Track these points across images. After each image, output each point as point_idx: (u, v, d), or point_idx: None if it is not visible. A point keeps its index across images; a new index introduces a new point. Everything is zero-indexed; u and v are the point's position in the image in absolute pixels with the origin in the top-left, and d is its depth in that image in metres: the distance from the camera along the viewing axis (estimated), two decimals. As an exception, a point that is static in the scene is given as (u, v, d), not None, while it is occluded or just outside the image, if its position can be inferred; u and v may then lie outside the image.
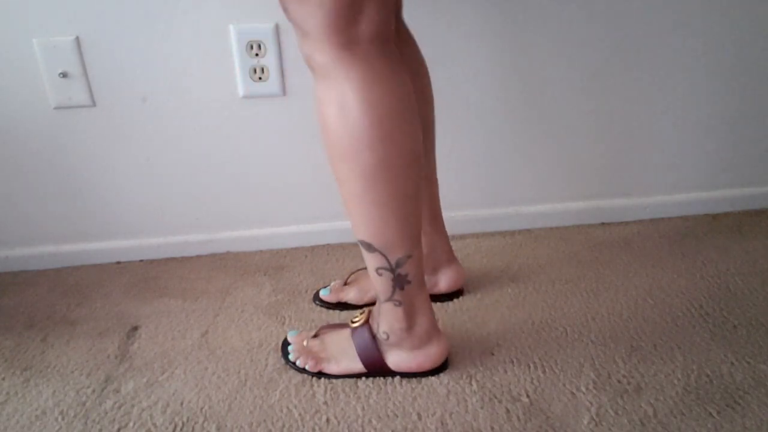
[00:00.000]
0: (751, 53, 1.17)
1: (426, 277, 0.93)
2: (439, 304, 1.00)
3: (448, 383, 0.83)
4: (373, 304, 0.90)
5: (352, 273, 1.06)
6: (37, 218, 1.17)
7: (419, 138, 0.71)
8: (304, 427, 0.77)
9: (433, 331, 0.83)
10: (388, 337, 0.81)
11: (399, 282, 0.77)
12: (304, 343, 0.87)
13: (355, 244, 1.24)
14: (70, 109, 1.08)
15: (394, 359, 0.83)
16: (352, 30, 0.64)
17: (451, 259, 1.01)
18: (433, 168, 0.96)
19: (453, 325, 0.95)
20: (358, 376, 0.84)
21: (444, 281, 1.00)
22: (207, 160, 1.15)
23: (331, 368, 0.84)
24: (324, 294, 1.02)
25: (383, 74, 0.67)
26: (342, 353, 0.84)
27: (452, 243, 1.18)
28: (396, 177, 0.69)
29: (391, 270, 0.76)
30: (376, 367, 0.83)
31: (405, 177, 0.70)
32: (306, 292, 1.08)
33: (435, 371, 0.84)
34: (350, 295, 1.01)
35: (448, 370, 0.85)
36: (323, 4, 0.62)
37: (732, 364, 0.84)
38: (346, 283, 1.03)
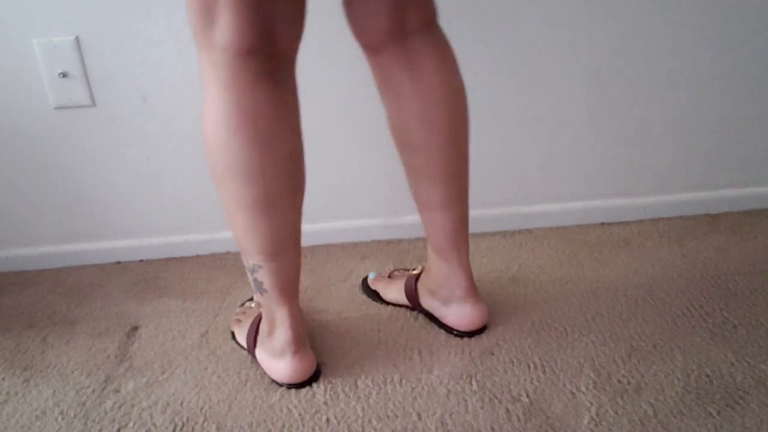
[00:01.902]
0: (751, 53, 1.16)
1: (438, 304, 0.92)
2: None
3: (448, 383, 0.83)
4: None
5: (398, 270, 1.06)
6: (37, 218, 1.17)
7: (257, 154, 0.69)
8: (304, 427, 0.77)
9: (289, 348, 0.81)
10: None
11: (256, 286, 0.80)
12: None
13: (355, 244, 1.24)
14: (70, 109, 1.08)
15: (258, 355, 0.86)
16: (207, 34, 0.67)
17: (465, 295, 0.90)
18: (438, 202, 0.85)
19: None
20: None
21: (453, 317, 0.92)
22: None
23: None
24: (370, 277, 1.07)
25: (226, 84, 0.67)
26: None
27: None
28: (230, 188, 0.71)
29: (249, 271, 0.79)
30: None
31: (241, 189, 0.71)
32: (306, 291, 1.08)
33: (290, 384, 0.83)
34: (387, 292, 1.02)
35: (448, 370, 0.85)
36: (188, 4, 0.67)
37: (732, 364, 0.84)
38: (390, 276, 1.05)
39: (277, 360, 0.82)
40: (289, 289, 0.80)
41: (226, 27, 0.65)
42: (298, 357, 0.82)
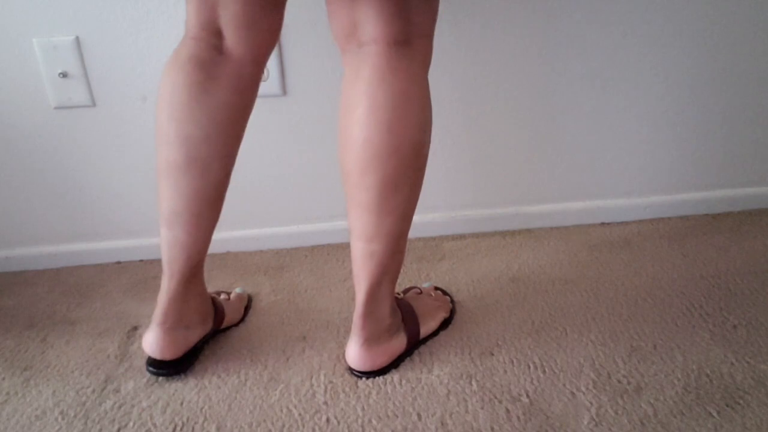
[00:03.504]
0: (751, 53, 1.16)
1: None
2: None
3: (448, 383, 0.83)
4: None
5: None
6: (37, 218, 1.17)
7: (165, 123, 0.77)
8: (304, 427, 0.77)
9: (155, 319, 0.84)
10: None
11: None
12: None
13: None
14: (70, 109, 1.08)
15: None
16: None
17: (353, 332, 0.85)
18: (350, 226, 0.80)
19: (452, 325, 0.95)
20: None
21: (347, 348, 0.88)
22: (207, 160, 1.15)
23: None
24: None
25: (171, 58, 0.79)
26: None
27: (452, 243, 1.19)
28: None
29: None
30: None
31: (157, 151, 0.80)
32: (305, 291, 1.08)
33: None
34: None
35: (448, 370, 0.85)
36: None
37: (732, 364, 0.84)
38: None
39: (149, 329, 0.85)
40: (172, 264, 0.82)
41: (187, 12, 0.78)
42: (160, 332, 0.84)
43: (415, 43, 0.74)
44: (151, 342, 0.84)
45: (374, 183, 0.74)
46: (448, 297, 1.01)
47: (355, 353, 0.84)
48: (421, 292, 0.99)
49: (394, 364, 0.87)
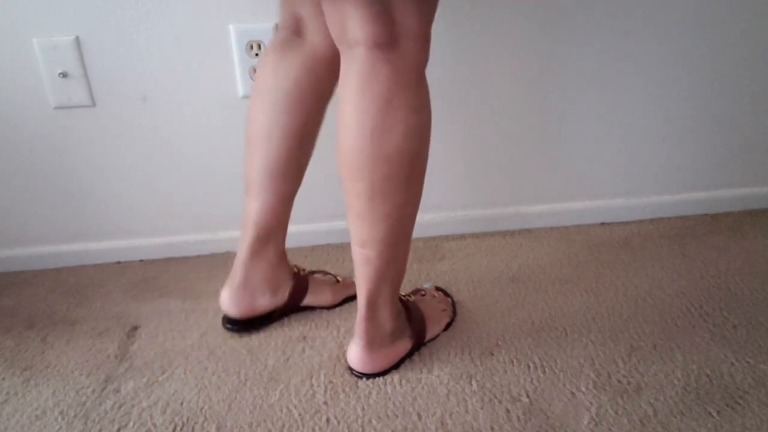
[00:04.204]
0: (751, 53, 1.16)
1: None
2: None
3: (448, 383, 0.83)
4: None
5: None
6: (37, 218, 1.17)
7: (252, 101, 0.87)
8: (304, 427, 0.77)
9: (228, 278, 0.95)
10: None
11: None
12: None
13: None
14: (70, 109, 1.08)
15: None
16: None
17: (356, 334, 0.86)
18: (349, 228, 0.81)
19: (453, 325, 0.95)
20: None
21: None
22: (207, 160, 1.15)
23: None
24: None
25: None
26: None
27: (452, 243, 1.19)
28: None
29: None
30: None
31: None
32: (306, 292, 1.08)
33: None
34: None
35: (448, 370, 0.85)
36: None
37: (732, 364, 0.84)
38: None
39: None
40: (244, 229, 0.92)
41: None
42: (228, 289, 0.94)
43: (403, 44, 0.70)
44: (222, 297, 0.94)
45: (363, 190, 0.73)
46: (450, 299, 1.01)
47: (356, 355, 0.84)
48: (425, 294, 0.99)
49: (395, 366, 0.87)
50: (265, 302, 0.95)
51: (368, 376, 0.85)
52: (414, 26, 0.70)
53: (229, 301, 0.94)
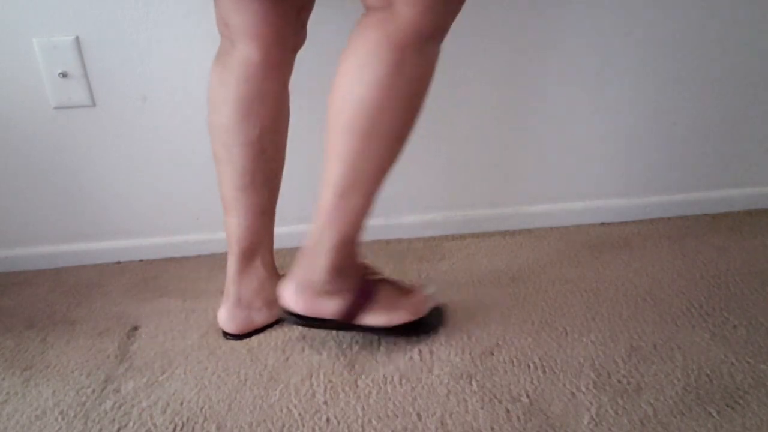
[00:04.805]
0: (750, 53, 1.16)
1: None
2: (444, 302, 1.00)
3: (448, 383, 0.83)
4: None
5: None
6: (37, 218, 1.17)
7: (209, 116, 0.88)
8: (304, 427, 0.77)
9: (223, 294, 0.97)
10: None
11: None
12: None
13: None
14: (70, 109, 1.08)
15: None
16: None
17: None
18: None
19: (453, 325, 0.95)
20: None
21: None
22: (207, 160, 1.15)
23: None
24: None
25: None
26: None
27: (452, 243, 1.19)
28: None
29: None
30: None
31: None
32: (306, 292, 1.08)
33: None
34: None
35: (448, 370, 0.85)
36: None
37: (732, 364, 0.84)
38: None
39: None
40: (229, 245, 0.92)
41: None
42: (224, 307, 0.94)
43: (398, 8, 0.71)
44: (219, 315, 0.95)
45: (330, 127, 0.78)
46: (437, 311, 0.96)
47: (284, 287, 0.87)
48: (410, 291, 0.94)
49: (328, 324, 0.87)
50: (261, 317, 0.95)
51: (288, 312, 0.86)
52: None
53: (225, 319, 0.94)
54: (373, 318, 0.88)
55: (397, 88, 0.74)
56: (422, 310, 0.92)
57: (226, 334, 0.96)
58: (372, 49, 0.72)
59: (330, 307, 0.85)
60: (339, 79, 0.76)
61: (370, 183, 0.79)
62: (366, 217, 0.82)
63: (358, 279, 0.87)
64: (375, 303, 0.87)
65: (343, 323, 0.87)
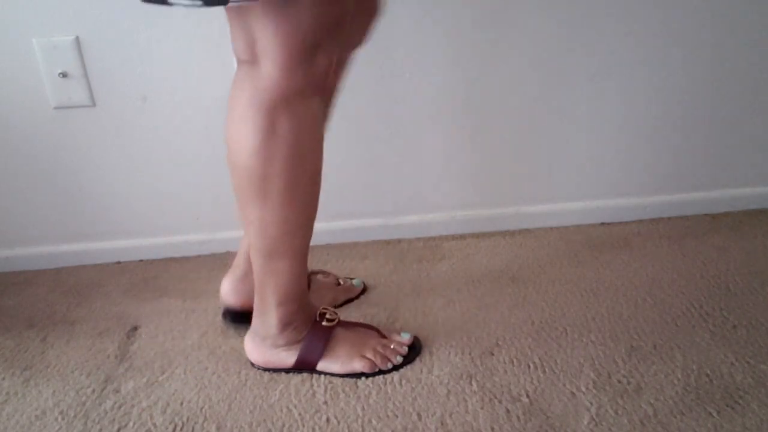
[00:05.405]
0: (750, 53, 1.16)
1: None
2: (438, 301, 1.00)
3: (448, 383, 0.83)
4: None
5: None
6: (37, 218, 1.17)
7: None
8: (304, 427, 0.77)
9: None
10: None
11: None
12: None
13: (355, 244, 1.24)
14: (69, 109, 1.09)
15: None
16: None
17: None
18: None
19: (453, 325, 0.95)
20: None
21: None
22: (207, 160, 1.15)
23: None
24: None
25: None
26: None
27: (452, 243, 1.19)
28: None
29: None
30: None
31: None
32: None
33: None
34: None
35: (448, 370, 0.85)
36: None
37: (732, 364, 0.84)
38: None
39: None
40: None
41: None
42: (228, 277, 0.95)
43: (263, 65, 0.68)
44: (223, 287, 0.94)
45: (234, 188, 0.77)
46: (408, 357, 0.88)
47: (246, 338, 0.88)
48: (378, 332, 0.90)
49: (283, 371, 0.87)
50: None
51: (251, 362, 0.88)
52: (272, 48, 0.67)
53: (229, 290, 0.94)
54: (328, 366, 0.86)
55: (274, 154, 0.72)
56: (385, 363, 0.86)
57: (226, 313, 0.95)
58: (244, 114, 0.71)
59: (284, 359, 0.86)
60: (227, 145, 0.74)
61: (287, 245, 0.79)
62: (301, 274, 0.82)
63: (311, 330, 0.86)
64: (330, 351, 0.86)
65: (300, 370, 0.87)
